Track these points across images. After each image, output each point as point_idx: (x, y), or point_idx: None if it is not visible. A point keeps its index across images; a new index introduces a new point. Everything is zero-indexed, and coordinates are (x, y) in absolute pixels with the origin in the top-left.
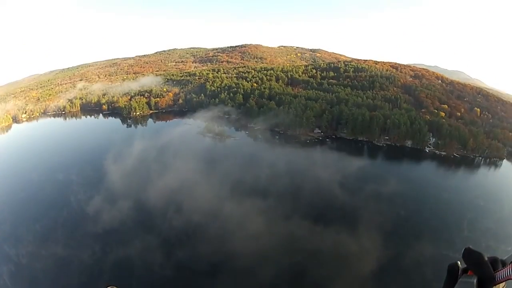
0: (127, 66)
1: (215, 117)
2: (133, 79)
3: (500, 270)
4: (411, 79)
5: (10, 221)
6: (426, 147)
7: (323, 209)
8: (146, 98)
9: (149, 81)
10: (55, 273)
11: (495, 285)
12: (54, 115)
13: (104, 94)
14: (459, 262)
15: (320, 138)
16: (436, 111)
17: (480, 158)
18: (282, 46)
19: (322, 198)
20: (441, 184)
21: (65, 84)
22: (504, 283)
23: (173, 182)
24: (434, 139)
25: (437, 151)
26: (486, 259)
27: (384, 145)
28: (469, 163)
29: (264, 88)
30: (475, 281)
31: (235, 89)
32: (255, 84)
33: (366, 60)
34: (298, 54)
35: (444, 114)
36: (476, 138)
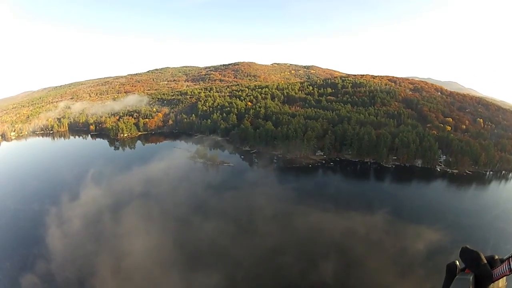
0: (119, 85)
1: (207, 139)
2: (123, 98)
3: (498, 267)
4: (410, 92)
5: None
6: (437, 166)
7: None
8: (134, 118)
9: (134, 100)
10: None
11: (493, 282)
12: (43, 134)
13: (93, 114)
14: (457, 262)
15: (324, 161)
16: (441, 125)
17: (491, 172)
18: (275, 63)
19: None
20: (459, 209)
21: (56, 102)
22: (504, 281)
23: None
24: (444, 156)
25: (448, 170)
26: (483, 257)
27: (393, 166)
28: (481, 179)
29: (259, 107)
30: (471, 278)
31: (229, 108)
32: (249, 103)
33: (363, 75)
34: (292, 71)
35: (450, 128)
36: (487, 152)
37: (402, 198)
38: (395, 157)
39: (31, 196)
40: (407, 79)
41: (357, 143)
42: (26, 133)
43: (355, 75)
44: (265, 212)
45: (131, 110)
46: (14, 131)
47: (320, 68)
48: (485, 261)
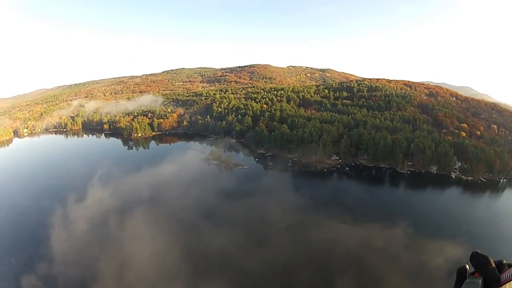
0: (134, 85)
1: (222, 141)
2: (137, 98)
3: (506, 271)
4: (426, 97)
5: None
6: (452, 173)
7: None
8: (149, 118)
9: (148, 100)
10: None
11: (500, 286)
12: (56, 132)
13: (107, 113)
14: (467, 266)
15: (339, 166)
16: (457, 131)
17: (505, 180)
18: (291, 66)
19: None
20: (472, 217)
21: (70, 100)
22: (511, 284)
23: None
24: (459, 163)
25: (463, 176)
26: (492, 262)
27: (408, 172)
28: (495, 186)
29: (275, 110)
30: (480, 281)
31: (244, 110)
32: (265, 106)
33: (379, 79)
34: (308, 74)
35: (465, 134)
36: (502, 159)
37: (417, 207)
38: (410, 163)
39: (41, 192)
40: (422, 83)
41: (373, 148)
42: (39, 130)
43: (370, 79)
44: (278, 221)
45: (145, 110)
46: (26, 128)
47: (336, 71)
48: (494, 265)
